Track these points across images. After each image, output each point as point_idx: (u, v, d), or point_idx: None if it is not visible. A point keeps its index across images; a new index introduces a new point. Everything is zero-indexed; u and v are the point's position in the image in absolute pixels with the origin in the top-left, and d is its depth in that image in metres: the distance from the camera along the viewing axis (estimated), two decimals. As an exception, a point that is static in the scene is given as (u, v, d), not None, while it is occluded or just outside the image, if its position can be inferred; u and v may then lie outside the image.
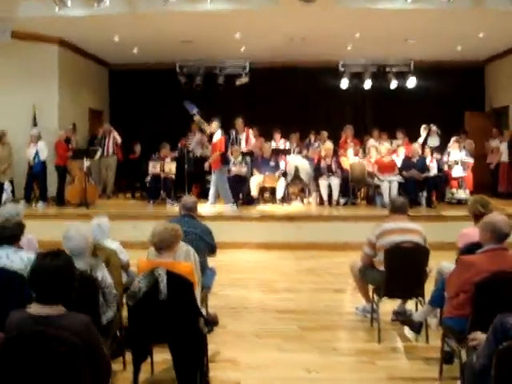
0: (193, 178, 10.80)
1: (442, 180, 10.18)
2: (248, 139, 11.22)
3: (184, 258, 4.14)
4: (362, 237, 8.35)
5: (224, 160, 9.62)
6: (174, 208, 9.72)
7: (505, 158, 10.86)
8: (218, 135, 9.62)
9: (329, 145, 10.24)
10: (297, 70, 13.22)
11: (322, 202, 10.00)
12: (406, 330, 4.84)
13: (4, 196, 9.96)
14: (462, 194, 9.99)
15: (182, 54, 12.65)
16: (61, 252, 2.61)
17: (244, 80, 12.95)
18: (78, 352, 2.39)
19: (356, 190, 10.55)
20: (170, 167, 10.30)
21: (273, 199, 10.31)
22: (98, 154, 10.30)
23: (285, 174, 10.27)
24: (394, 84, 12.71)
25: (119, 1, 8.85)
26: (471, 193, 10.30)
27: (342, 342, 4.80)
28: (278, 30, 10.38)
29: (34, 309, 2.52)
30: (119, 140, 11.64)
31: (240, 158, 10.26)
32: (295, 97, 13.32)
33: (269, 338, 4.77)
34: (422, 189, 9.76)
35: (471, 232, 4.74)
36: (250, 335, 4.84)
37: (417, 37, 10.74)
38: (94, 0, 8.46)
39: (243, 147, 11.06)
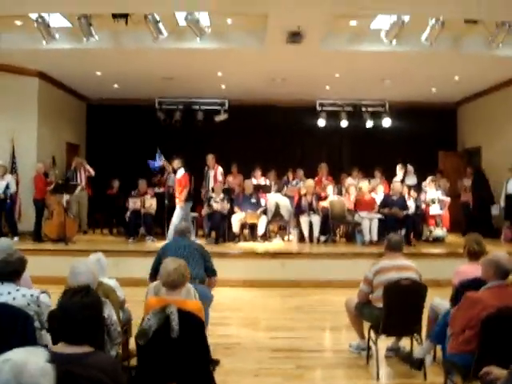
0: (172, 214, 10.71)
1: (420, 218, 10.37)
2: (216, 176, 11.26)
3: (186, 297, 4.11)
4: (345, 274, 8.57)
5: (188, 196, 9.81)
6: (154, 244, 9.65)
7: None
8: (181, 172, 9.89)
9: (310, 182, 10.36)
10: (275, 109, 13.45)
11: (302, 239, 10.05)
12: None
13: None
14: (440, 231, 10.21)
15: (161, 91, 12.74)
16: (89, 289, 2.56)
17: (223, 117, 13.08)
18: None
19: (335, 227, 10.63)
20: (151, 203, 10.25)
21: (253, 236, 10.30)
22: (79, 188, 10.17)
23: (265, 211, 10.31)
24: (369, 123, 13.03)
25: (106, 36, 8.90)
26: (448, 231, 10.56)
27: (341, 380, 4.77)
28: (261, 70, 10.62)
29: (60, 348, 2.44)
30: (92, 173, 11.48)
31: (222, 195, 10.25)
32: (273, 135, 13.55)
33: (268, 377, 4.72)
34: (401, 227, 9.91)
35: (466, 269, 4.85)
36: (249, 374, 4.77)
37: (394, 78, 11.09)
38: (81, 34, 8.47)
39: (211, 184, 11.12)
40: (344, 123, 13.08)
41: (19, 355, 1.46)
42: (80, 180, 11.08)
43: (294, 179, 12.03)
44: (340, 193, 11.16)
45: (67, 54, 9.36)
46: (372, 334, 4.93)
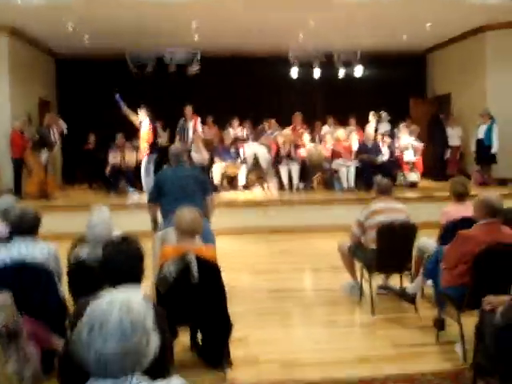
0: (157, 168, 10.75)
1: (394, 164, 10.71)
2: (195, 127, 11.30)
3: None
4: (326, 219, 8.93)
5: (152, 149, 9.83)
6: (136, 196, 9.76)
7: (456, 142, 11.61)
8: (146, 123, 9.84)
9: (287, 131, 10.54)
10: (248, 60, 13.39)
11: (281, 188, 10.30)
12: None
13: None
14: (414, 176, 10.59)
15: (132, 43, 12.51)
16: (130, 239, 2.71)
17: (195, 69, 12.99)
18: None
19: (312, 175, 10.88)
20: (131, 156, 10.25)
21: (232, 186, 10.49)
22: (57, 146, 10.09)
23: (244, 162, 10.48)
24: (341, 72, 13.17)
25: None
26: (422, 175, 10.97)
27: (338, 316, 5.09)
28: (239, 20, 10.52)
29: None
30: (64, 129, 11.36)
31: (201, 146, 10.35)
32: (246, 86, 13.56)
33: (271, 315, 5.01)
34: (376, 173, 10.22)
35: (453, 209, 5.20)
36: (252, 314, 5.05)
37: (368, 26, 11.14)
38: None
39: (190, 135, 11.18)
40: (317, 73, 13.16)
41: (121, 295, 1.61)
42: (54, 137, 10.94)
43: (269, 129, 12.15)
44: (315, 141, 11.37)
45: (41, 8, 9.08)
46: (365, 273, 5.26)
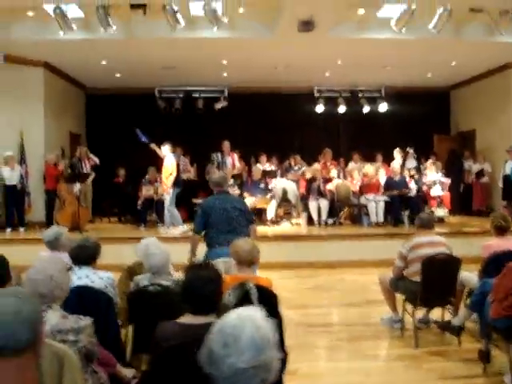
0: (181, 201, 10.92)
1: (421, 199, 10.77)
2: (234, 162, 11.52)
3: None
4: (357, 254, 8.96)
5: (176, 183, 9.91)
6: (168, 231, 9.87)
7: (484, 178, 11.71)
8: (170, 158, 9.91)
9: (317, 167, 10.67)
10: (273, 96, 13.65)
11: (310, 223, 10.37)
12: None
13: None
14: (441, 212, 10.62)
15: (161, 79, 12.87)
16: (211, 265, 2.81)
17: (222, 104, 13.27)
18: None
19: (340, 210, 10.95)
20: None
21: (261, 221, 10.58)
22: (91, 178, 10.31)
23: (273, 196, 10.59)
24: (366, 109, 13.37)
25: (118, 27, 8.98)
26: (449, 211, 11.00)
27: (382, 350, 5.10)
28: (266, 58, 10.83)
29: (188, 319, 2.68)
30: (97, 161, 11.58)
31: (232, 181, 10.51)
32: (271, 121, 13.78)
33: (315, 350, 5.03)
34: (405, 208, 10.32)
35: (495, 243, 5.25)
36: (297, 348, 5.03)
37: (394, 64, 11.41)
38: (92, 24, 8.59)
39: (229, 170, 11.38)
40: (342, 109, 13.38)
41: (247, 312, 1.70)
42: (85, 169, 11.17)
43: (295, 164, 12.32)
44: (343, 177, 11.49)
45: (77, 44, 9.45)
46: (407, 307, 5.27)
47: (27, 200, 10.41)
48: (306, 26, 8.53)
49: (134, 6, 7.98)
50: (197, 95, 13.44)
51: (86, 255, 3.98)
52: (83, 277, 3.88)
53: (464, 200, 11.68)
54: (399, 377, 4.40)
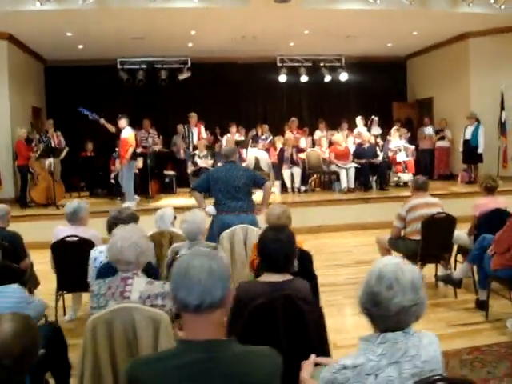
0: (152, 173, 10.93)
1: (387, 165, 11.25)
2: (200, 134, 11.61)
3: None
4: (334, 219, 9.35)
5: (133, 155, 9.86)
6: (144, 202, 9.92)
7: (445, 143, 12.30)
8: (128, 131, 9.79)
9: (289, 136, 10.93)
10: (236, 65, 13.73)
11: (285, 190, 10.66)
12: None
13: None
14: (407, 176, 11.16)
15: (124, 51, 12.63)
16: (286, 227, 3.01)
17: (186, 75, 13.20)
18: (315, 309, 2.83)
19: (311, 177, 11.29)
20: (138, 162, 10.37)
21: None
22: (65, 152, 10.12)
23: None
24: (327, 78, 13.66)
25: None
26: (413, 175, 11.54)
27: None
28: (236, 28, 10.84)
29: (266, 277, 2.89)
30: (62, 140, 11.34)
31: (205, 152, 10.61)
32: (234, 92, 13.88)
33: (330, 307, 5.33)
34: (374, 174, 10.78)
35: (484, 203, 5.71)
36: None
37: (358, 35, 11.68)
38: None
39: (195, 141, 11.49)
40: (304, 78, 13.60)
41: (394, 260, 1.94)
42: (54, 144, 10.94)
43: (262, 134, 12.53)
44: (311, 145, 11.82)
45: (46, 15, 9.16)
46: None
47: (-3, 176, 10.14)
48: (282, -4, 8.65)
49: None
50: (159, 66, 13.28)
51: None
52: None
53: (424, 165, 12.26)
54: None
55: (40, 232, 7.38)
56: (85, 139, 11.93)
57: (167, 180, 11.34)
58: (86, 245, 4.56)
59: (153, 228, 5.06)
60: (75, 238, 4.76)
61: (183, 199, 10.19)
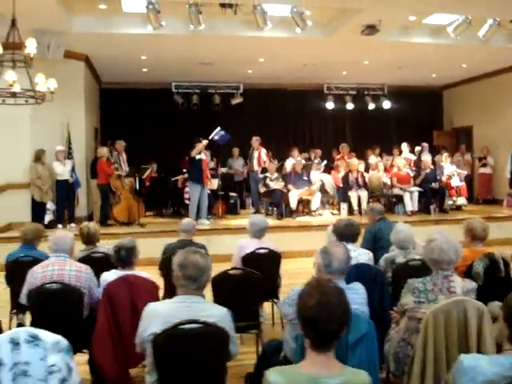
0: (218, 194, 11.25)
1: (445, 189, 11.79)
2: (259, 157, 12.01)
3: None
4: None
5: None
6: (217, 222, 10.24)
7: (488, 170, 12.99)
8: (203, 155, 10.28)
9: (355, 161, 11.43)
10: (285, 92, 14.28)
11: (351, 212, 11.10)
12: None
13: (47, 217, 9.68)
14: (462, 200, 11.77)
15: (180, 75, 13.05)
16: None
17: (238, 100, 13.68)
18: None
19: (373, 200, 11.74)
20: (213, 183, 10.69)
21: (306, 211, 11.18)
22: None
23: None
24: (371, 106, 14.32)
25: (177, 22, 9.16)
26: (467, 199, 12.17)
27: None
28: (302, 56, 11.34)
29: None
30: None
31: (276, 174, 11.04)
32: (283, 116, 14.40)
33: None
34: (435, 197, 11.34)
35: None
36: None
37: (410, 66, 12.35)
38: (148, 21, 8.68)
39: (255, 163, 11.91)
40: (349, 106, 14.24)
41: None
42: (123, 163, 11.18)
43: (315, 158, 13.02)
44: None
45: (129, 39, 9.58)
46: None
47: (76, 195, 10.31)
48: (370, 30, 9.20)
49: (224, 6, 8.25)
50: (213, 91, 13.73)
51: (352, 233, 4.50)
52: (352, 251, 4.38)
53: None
54: None
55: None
56: (144, 159, 12.06)
57: (232, 201, 11.67)
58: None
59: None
60: (262, 251, 5.11)
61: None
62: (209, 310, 2.95)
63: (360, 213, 11.10)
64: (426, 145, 12.82)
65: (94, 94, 12.82)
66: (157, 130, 13.35)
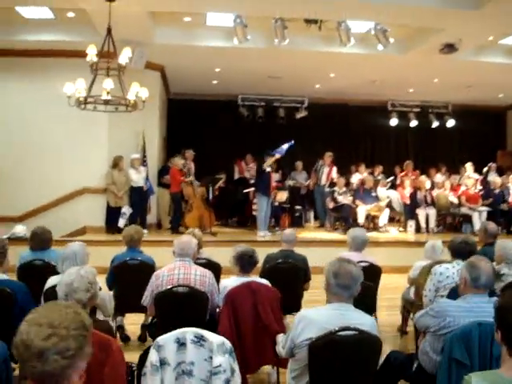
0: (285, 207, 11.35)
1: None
2: (330, 173, 12.07)
3: None
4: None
5: None
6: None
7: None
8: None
9: (423, 178, 11.39)
10: (348, 107, 14.34)
11: (418, 230, 11.03)
12: None
13: (121, 221, 9.92)
14: (531, 221, 11.58)
15: (246, 87, 13.25)
16: None
17: (303, 114, 13.81)
18: None
19: (441, 219, 11.67)
20: (282, 196, 10.80)
21: (374, 227, 11.17)
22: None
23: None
24: (434, 124, 14.26)
25: (256, 35, 9.33)
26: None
27: None
28: (371, 73, 11.40)
29: None
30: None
31: (344, 189, 11.08)
32: (347, 132, 14.44)
33: None
34: (504, 217, 11.18)
35: None
36: None
37: (477, 85, 12.27)
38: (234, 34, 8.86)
39: (323, 178, 11.98)
40: (413, 123, 14.21)
41: None
42: (191, 173, 11.37)
43: (378, 174, 12.99)
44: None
45: (212, 51, 9.84)
46: None
47: (149, 202, 10.57)
48: (449, 48, 9.21)
49: (309, 21, 8.42)
50: (278, 104, 13.89)
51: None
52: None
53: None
54: None
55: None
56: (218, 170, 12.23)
57: (297, 214, 11.75)
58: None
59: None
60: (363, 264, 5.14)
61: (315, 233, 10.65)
62: (359, 319, 3.01)
63: (427, 231, 11.04)
64: (493, 165, 12.68)
65: (165, 104, 13.10)
66: (222, 142, 13.56)
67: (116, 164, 9.94)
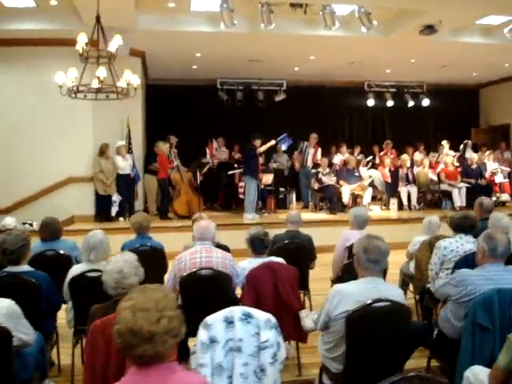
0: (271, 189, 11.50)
1: (490, 186, 12.03)
2: (315, 155, 12.26)
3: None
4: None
5: None
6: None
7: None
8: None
9: (405, 157, 11.68)
10: (325, 89, 14.51)
11: (401, 208, 11.35)
12: None
13: (113, 209, 9.95)
14: (505, 196, 12.03)
15: (225, 71, 13.29)
16: None
17: (282, 97, 13.94)
18: None
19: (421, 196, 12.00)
20: (268, 178, 10.94)
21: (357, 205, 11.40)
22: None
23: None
24: (410, 103, 14.58)
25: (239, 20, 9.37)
26: (510, 195, 12.41)
27: None
28: (351, 54, 11.58)
29: None
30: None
31: (328, 170, 11.29)
32: (324, 113, 14.64)
33: None
34: (481, 193, 11.56)
35: None
36: None
37: (453, 65, 12.57)
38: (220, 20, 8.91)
39: (309, 160, 12.19)
40: (389, 103, 14.50)
41: None
42: (175, 158, 11.42)
43: (358, 154, 13.28)
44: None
45: (194, 36, 9.84)
46: None
47: (136, 189, 10.59)
48: (429, 29, 9.43)
49: (294, 5, 8.52)
50: (256, 87, 13.98)
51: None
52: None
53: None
54: None
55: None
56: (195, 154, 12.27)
57: (281, 196, 11.92)
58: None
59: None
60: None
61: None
62: (390, 291, 3.21)
63: (410, 208, 11.37)
64: (469, 142, 13.07)
65: (143, 90, 13.02)
66: (202, 127, 13.59)
67: (103, 152, 9.90)
